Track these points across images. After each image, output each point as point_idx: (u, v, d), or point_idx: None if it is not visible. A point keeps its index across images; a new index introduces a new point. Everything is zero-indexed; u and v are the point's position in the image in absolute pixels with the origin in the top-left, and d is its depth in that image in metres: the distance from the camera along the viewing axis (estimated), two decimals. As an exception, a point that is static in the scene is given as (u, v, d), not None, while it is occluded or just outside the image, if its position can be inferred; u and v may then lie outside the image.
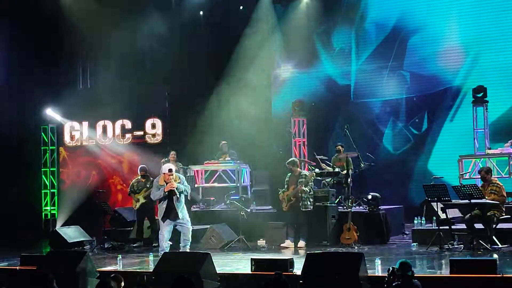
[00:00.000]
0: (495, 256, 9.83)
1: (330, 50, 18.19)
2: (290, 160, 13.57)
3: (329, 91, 18.10)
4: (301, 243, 12.89)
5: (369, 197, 13.62)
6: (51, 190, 19.47)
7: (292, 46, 18.37)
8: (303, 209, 12.87)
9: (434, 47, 16.97)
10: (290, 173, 13.22)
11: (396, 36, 17.39)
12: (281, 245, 12.97)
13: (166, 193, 11.15)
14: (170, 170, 11.22)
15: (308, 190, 12.93)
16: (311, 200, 12.98)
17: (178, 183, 11.24)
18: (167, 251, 10.94)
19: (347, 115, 17.69)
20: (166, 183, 11.13)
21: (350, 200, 13.75)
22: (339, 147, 15.25)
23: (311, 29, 18.09)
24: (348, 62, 18.01)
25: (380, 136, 17.57)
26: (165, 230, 11.29)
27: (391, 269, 7.41)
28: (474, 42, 16.53)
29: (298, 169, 13.32)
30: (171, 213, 11.23)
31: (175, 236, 11.44)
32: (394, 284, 7.26)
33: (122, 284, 7.99)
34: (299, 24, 18.12)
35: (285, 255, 11.90)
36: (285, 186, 13.18)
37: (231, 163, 15.96)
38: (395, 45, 17.39)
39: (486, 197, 11.48)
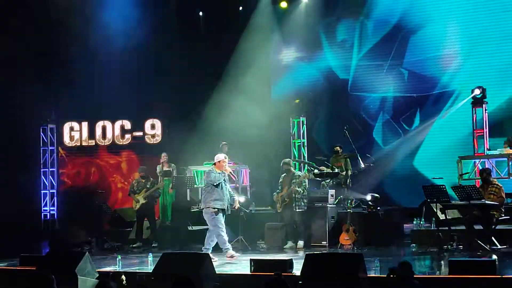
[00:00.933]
0: (494, 257, 9.85)
1: (333, 42, 18.25)
2: (286, 160, 13.56)
3: (329, 83, 18.21)
4: (300, 244, 12.91)
5: (368, 197, 13.63)
6: (51, 191, 19.46)
7: (294, 37, 18.43)
8: (297, 210, 12.90)
9: (435, 47, 17.02)
10: (284, 174, 13.27)
11: (399, 33, 17.43)
12: (284, 247, 12.99)
13: (225, 177, 11.50)
14: (226, 157, 11.72)
15: (302, 191, 12.98)
16: (305, 200, 13.03)
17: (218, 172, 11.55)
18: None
19: (344, 107, 17.77)
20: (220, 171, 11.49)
21: (349, 201, 13.77)
22: (338, 147, 15.27)
23: (315, 21, 18.13)
24: (350, 56, 18.08)
25: (371, 130, 17.69)
26: (223, 223, 11.46)
27: (391, 268, 7.42)
28: (474, 44, 16.56)
29: (292, 170, 13.35)
30: (228, 201, 11.54)
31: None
32: (394, 284, 7.26)
33: (123, 277, 7.99)
34: (302, 16, 18.18)
35: (284, 255, 11.90)
36: (279, 187, 13.22)
37: (230, 163, 15.95)
38: (397, 42, 17.44)
39: (485, 198, 11.51)
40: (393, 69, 17.51)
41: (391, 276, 7.34)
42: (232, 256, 11.09)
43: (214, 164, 11.69)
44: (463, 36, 16.74)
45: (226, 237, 11.41)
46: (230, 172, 11.82)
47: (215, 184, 11.37)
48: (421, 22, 17.22)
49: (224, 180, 11.54)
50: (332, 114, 17.95)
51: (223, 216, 11.51)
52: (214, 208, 11.34)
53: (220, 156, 11.75)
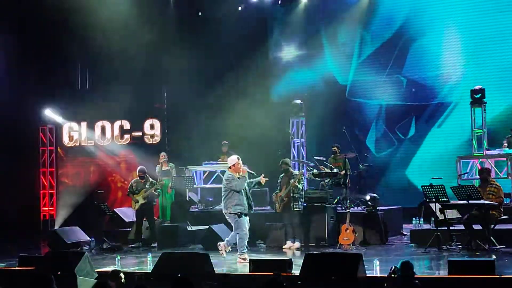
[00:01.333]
0: (493, 256, 9.86)
1: (334, 46, 18.16)
2: (283, 160, 13.54)
3: (328, 86, 18.09)
4: (296, 244, 12.90)
5: (368, 198, 13.63)
6: (50, 191, 19.45)
7: (294, 38, 18.43)
8: (295, 209, 12.91)
9: (434, 57, 16.95)
10: (283, 174, 13.26)
11: (399, 40, 17.34)
12: (283, 247, 12.99)
13: (246, 180, 11.36)
14: (238, 158, 11.50)
15: (301, 188, 13.00)
16: (302, 200, 13.03)
17: (238, 177, 11.37)
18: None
19: (342, 113, 17.67)
20: (238, 172, 11.36)
21: (349, 201, 13.79)
22: (335, 148, 15.28)
23: (316, 24, 18.10)
24: (350, 61, 17.99)
25: (365, 137, 17.56)
26: (247, 225, 11.38)
27: (392, 268, 7.43)
28: (474, 55, 16.49)
29: (291, 169, 13.36)
30: (249, 203, 11.44)
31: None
32: (394, 283, 7.28)
33: (122, 275, 8.00)
34: (303, 18, 18.16)
35: (284, 255, 11.91)
36: (278, 188, 13.23)
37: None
38: (397, 49, 17.35)
39: (484, 198, 11.51)
40: (392, 76, 17.42)
41: (392, 276, 7.35)
42: (244, 259, 11.08)
43: (229, 168, 11.51)
44: (464, 47, 16.66)
45: (246, 241, 11.36)
46: (248, 171, 11.59)
47: (237, 191, 11.30)
48: (422, 31, 17.11)
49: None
50: (328, 118, 17.58)
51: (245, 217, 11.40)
52: (235, 213, 11.29)
53: (233, 159, 11.54)
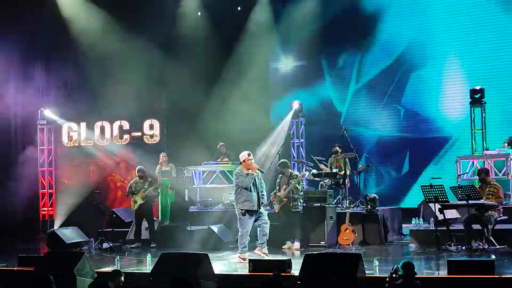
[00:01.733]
0: (493, 256, 9.86)
1: (332, 71, 17.95)
2: (281, 161, 13.53)
3: (326, 110, 17.94)
4: (296, 245, 12.89)
5: (367, 198, 13.63)
6: (49, 191, 19.43)
7: (294, 43, 18.40)
8: (293, 210, 12.90)
9: (435, 87, 16.70)
10: (281, 175, 13.25)
11: (399, 68, 17.09)
12: (283, 247, 12.98)
13: (254, 177, 11.20)
14: (249, 154, 11.30)
15: (300, 189, 12.98)
16: (301, 200, 13.02)
17: (247, 174, 11.25)
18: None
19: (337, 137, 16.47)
20: (248, 169, 11.20)
21: (348, 201, 13.78)
22: (336, 147, 15.26)
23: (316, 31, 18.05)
24: (347, 87, 17.73)
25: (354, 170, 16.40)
26: (250, 224, 11.27)
27: (394, 268, 7.43)
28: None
29: (290, 170, 13.35)
30: (259, 200, 11.28)
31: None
32: (395, 283, 7.28)
33: (122, 278, 8.01)
34: (303, 22, 18.11)
35: (283, 255, 11.90)
36: (277, 188, 13.22)
37: (229, 164, 15.95)
38: (397, 77, 17.07)
39: (484, 198, 11.51)
40: (390, 106, 17.14)
41: (394, 276, 7.35)
42: (244, 259, 11.06)
43: (240, 163, 11.41)
44: (466, 79, 16.35)
45: (246, 240, 11.28)
46: (258, 168, 11.46)
47: (244, 187, 11.22)
48: (421, 61, 16.84)
49: (254, 180, 11.24)
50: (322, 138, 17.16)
51: (253, 216, 11.27)
52: (243, 209, 11.21)
53: (244, 154, 11.33)
